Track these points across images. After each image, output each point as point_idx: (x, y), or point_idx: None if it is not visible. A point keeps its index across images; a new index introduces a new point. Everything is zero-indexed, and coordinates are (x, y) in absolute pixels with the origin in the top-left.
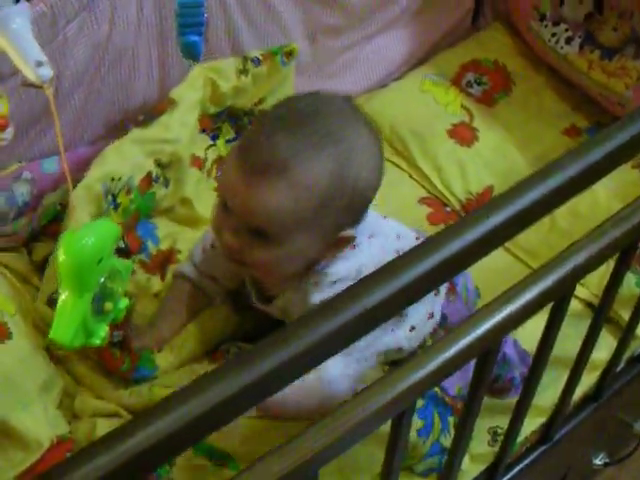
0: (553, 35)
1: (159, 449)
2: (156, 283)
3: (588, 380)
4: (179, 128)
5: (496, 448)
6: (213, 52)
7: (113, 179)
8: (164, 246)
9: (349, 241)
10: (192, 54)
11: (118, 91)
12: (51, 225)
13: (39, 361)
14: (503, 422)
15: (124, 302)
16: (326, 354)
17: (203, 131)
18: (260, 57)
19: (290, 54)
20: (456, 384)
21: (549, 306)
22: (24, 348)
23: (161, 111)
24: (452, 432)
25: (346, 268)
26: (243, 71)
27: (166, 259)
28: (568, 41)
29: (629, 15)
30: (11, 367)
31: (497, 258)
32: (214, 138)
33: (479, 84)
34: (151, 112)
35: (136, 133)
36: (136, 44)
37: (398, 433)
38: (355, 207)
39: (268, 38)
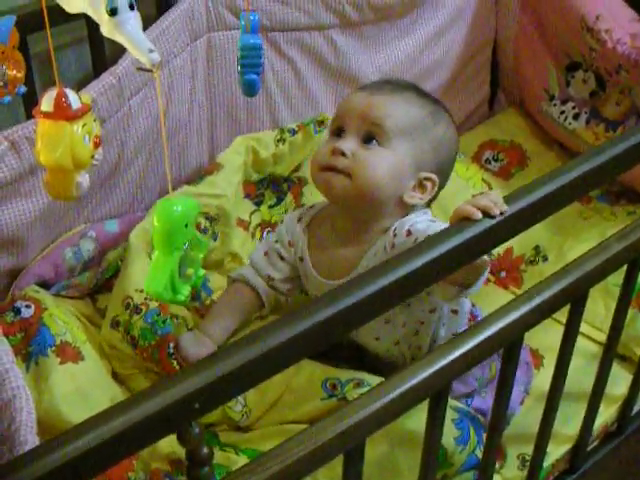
0: (562, 113)
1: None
2: None
3: (610, 414)
4: (225, 185)
5: (525, 472)
6: (255, 126)
7: None
8: (216, 296)
9: (432, 184)
10: (251, 91)
11: (172, 161)
12: (113, 279)
13: (107, 381)
14: (531, 449)
15: (202, 271)
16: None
17: (247, 197)
18: (295, 128)
19: (322, 123)
20: None
21: None
22: (94, 369)
23: (208, 173)
24: None
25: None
26: (280, 140)
27: None
28: (575, 117)
29: (628, 90)
30: (85, 384)
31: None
32: (258, 204)
33: (496, 160)
34: (200, 174)
35: (186, 189)
36: (189, 119)
37: (436, 413)
38: (441, 155)
39: (303, 115)
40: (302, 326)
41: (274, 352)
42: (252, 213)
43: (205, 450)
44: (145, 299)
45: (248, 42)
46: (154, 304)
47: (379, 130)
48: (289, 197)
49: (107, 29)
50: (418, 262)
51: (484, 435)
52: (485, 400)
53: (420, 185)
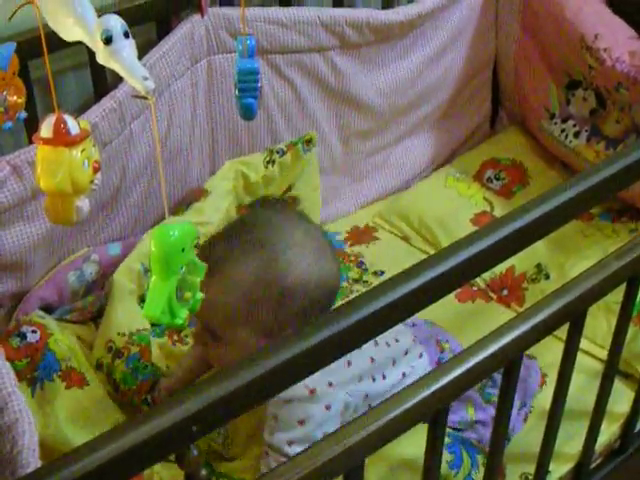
0: (562, 131)
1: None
2: None
3: (612, 432)
4: (212, 212)
5: None
6: (257, 148)
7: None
8: None
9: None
10: (248, 114)
11: (174, 184)
12: None
13: (112, 406)
14: (533, 468)
15: (200, 295)
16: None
17: None
18: (284, 148)
19: (309, 141)
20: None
21: None
22: (99, 394)
23: (195, 200)
24: (482, 470)
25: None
26: (270, 161)
27: None
28: (576, 135)
29: (628, 108)
30: (90, 409)
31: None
32: None
33: (498, 179)
34: (186, 201)
35: (171, 220)
36: (190, 142)
37: (435, 433)
38: (294, 305)
39: None
40: (299, 347)
41: (271, 374)
42: None
43: (204, 472)
44: (127, 343)
45: (245, 66)
46: (135, 349)
47: (210, 328)
48: None
49: (102, 57)
50: (418, 281)
51: (478, 457)
52: (476, 430)
53: None
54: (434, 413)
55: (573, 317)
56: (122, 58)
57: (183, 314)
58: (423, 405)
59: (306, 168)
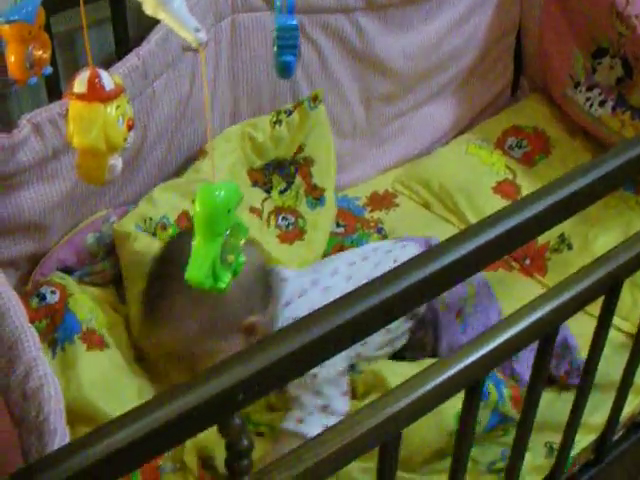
0: (587, 99)
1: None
2: None
3: (636, 404)
4: (211, 171)
5: (552, 460)
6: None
7: (145, 221)
8: None
9: (256, 324)
10: (286, 72)
11: (195, 144)
12: None
13: (133, 369)
14: (558, 438)
15: (243, 257)
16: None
17: (255, 184)
18: (291, 108)
19: (316, 98)
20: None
21: None
22: (120, 358)
23: (195, 160)
24: (508, 402)
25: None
26: (277, 121)
27: None
28: (601, 104)
29: None
30: (111, 371)
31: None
32: (268, 191)
33: (520, 147)
34: (185, 163)
35: (168, 182)
36: (212, 100)
37: (471, 404)
38: (237, 301)
39: (328, 105)
40: (349, 314)
41: (318, 342)
42: (264, 200)
43: (245, 442)
44: None
45: (285, 23)
46: None
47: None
48: (298, 179)
49: (150, 7)
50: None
51: (504, 390)
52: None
53: (246, 330)
54: (470, 385)
55: (609, 289)
56: (172, 8)
57: (226, 278)
58: (459, 377)
59: (316, 127)
